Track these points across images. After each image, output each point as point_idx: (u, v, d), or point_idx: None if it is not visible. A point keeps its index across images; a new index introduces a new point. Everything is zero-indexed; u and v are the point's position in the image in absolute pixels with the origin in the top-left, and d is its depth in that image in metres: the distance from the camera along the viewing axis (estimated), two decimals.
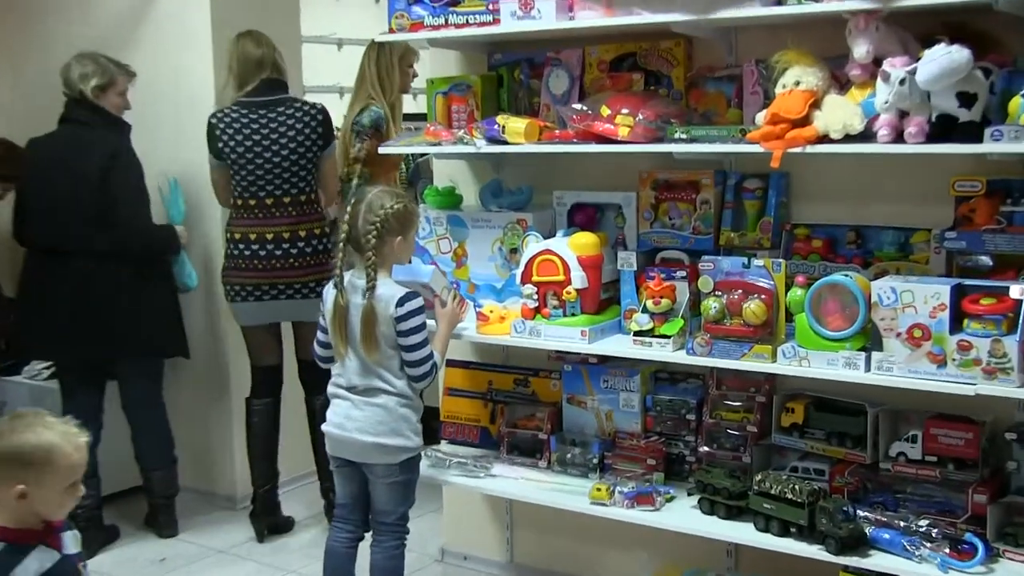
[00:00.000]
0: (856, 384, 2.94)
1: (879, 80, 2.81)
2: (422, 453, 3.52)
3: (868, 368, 2.89)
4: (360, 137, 4.70)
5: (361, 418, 3.36)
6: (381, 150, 3.90)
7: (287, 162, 4.32)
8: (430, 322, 3.45)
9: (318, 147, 4.39)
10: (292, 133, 4.33)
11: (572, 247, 3.39)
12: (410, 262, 3.50)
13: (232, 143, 4.34)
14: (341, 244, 3.33)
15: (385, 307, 3.29)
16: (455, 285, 3.68)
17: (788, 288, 3.06)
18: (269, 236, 4.34)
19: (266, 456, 4.60)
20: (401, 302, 3.29)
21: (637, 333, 3.27)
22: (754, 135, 2.99)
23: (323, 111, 4.42)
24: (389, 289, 3.31)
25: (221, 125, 4.35)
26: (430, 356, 3.35)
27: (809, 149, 2.91)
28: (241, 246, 4.38)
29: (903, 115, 2.80)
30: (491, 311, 3.54)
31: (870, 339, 2.90)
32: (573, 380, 3.69)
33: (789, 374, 3.06)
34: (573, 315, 3.40)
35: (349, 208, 3.33)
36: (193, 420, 5.04)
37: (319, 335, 3.50)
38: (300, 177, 4.36)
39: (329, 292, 3.42)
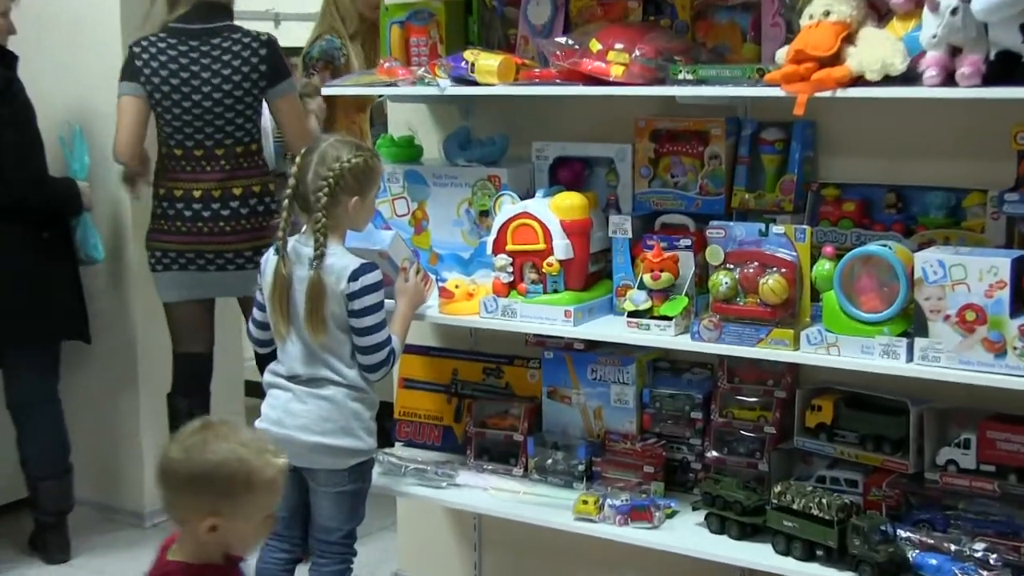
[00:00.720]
0: (896, 377, 2.92)
1: (926, 9, 2.79)
2: (374, 458, 3.53)
3: (910, 357, 2.88)
4: (307, 71, 4.67)
5: (304, 413, 3.37)
6: (326, 91, 3.89)
7: (220, 106, 4.30)
8: (388, 301, 3.46)
9: (260, 88, 4.36)
10: (228, 71, 4.30)
11: (554, 210, 3.39)
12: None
13: (156, 79, 4.31)
14: (286, 202, 3.35)
15: (336, 280, 3.30)
16: (416, 256, 3.66)
17: (814, 260, 3.06)
18: (196, 194, 4.32)
19: None
20: (355, 275, 3.30)
21: (632, 314, 3.26)
22: (774, 76, 2.97)
23: (270, 43, 4.39)
24: (341, 259, 3.32)
25: (145, 56, 4.32)
26: (387, 341, 3.36)
27: (840, 93, 2.90)
28: (164, 204, 4.38)
29: (955, 52, 2.78)
30: (457, 286, 3.53)
31: (913, 323, 2.89)
32: (555, 370, 3.70)
33: (815, 364, 3.06)
34: (555, 291, 3.40)
35: (298, 159, 3.35)
36: (93, 419, 5.02)
37: (255, 313, 3.51)
38: (237, 125, 4.35)
39: (269, 260, 3.42)
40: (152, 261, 4.43)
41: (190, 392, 4.57)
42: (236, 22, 4.61)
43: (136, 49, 4.33)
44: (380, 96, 4.84)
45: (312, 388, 3.37)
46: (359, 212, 3.37)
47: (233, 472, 2.39)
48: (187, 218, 4.32)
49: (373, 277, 3.32)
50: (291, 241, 3.37)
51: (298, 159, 3.35)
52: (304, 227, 3.38)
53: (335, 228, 3.33)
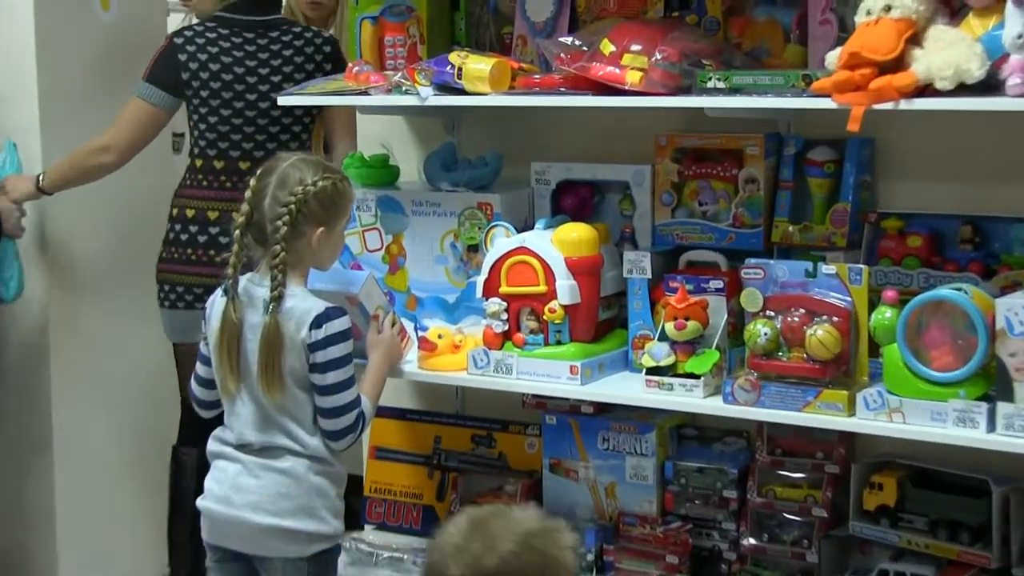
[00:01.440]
0: (974, 450, 2.91)
1: (1010, 4, 2.76)
2: (341, 544, 3.51)
3: (992, 427, 2.85)
4: None
5: (256, 489, 3.35)
6: (281, 100, 3.90)
7: (278, 110, 4.32)
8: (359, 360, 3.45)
9: None
10: (289, 68, 4.35)
11: (558, 244, 3.38)
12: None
13: (204, 74, 4.33)
14: (238, 233, 3.34)
15: (295, 327, 3.28)
16: (390, 300, 3.65)
17: (872, 307, 3.04)
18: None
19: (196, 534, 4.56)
20: (318, 321, 3.28)
21: (652, 371, 3.25)
22: (823, 83, 2.97)
23: (333, 40, 4.46)
24: (302, 302, 3.30)
25: (190, 48, 4.35)
26: (356, 403, 3.34)
27: (904, 105, 2.89)
28: (193, 228, 4.38)
29: None
30: (440, 336, 3.52)
31: (995, 384, 2.87)
32: (558, 438, 3.70)
33: (874, 433, 3.06)
34: (559, 343, 3.39)
35: (253, 181, 3.35)
36: None
37: (198, 368, 3.51)
38: (293, 134, 4.39)
39: (216, 303, 3.41)
40: (173, 296, 4.42)
41: (200, 444, 4.53)
42: None
43: (179, 40, 4.36)
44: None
45: (266, 459, 3.34)
46: (325, 246, 3.35)
47: (540, 573, 2.41)
48: (223, 245, 4.26)
49: (340, 324, 3.30)
50: (242, 280, 3.34)
51: (253, 181, 3.34)
52: (259, 264, 3.35)
53: (296, 265, 3.31)
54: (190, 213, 4.39)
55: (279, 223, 3.26)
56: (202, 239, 4.37)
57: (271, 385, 3.27)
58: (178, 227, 4.40)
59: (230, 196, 4.29)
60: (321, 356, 3.27)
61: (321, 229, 3.30)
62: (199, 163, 4.40)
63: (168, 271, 4.43)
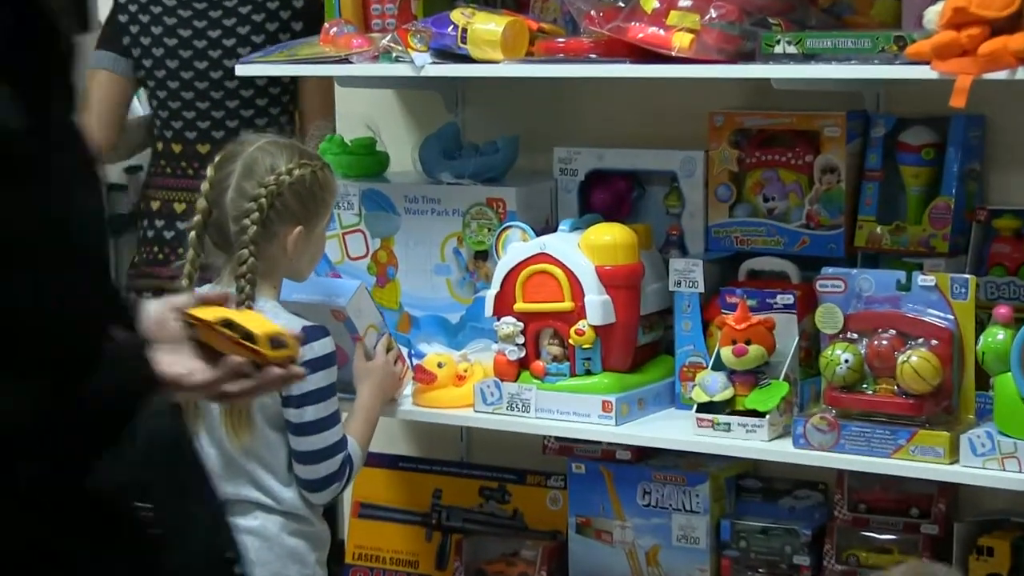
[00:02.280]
0: None
1: None
2: None
3: None
4: None
5: None
6: (239, 70, 3.92)
7: (234, 80, 4.34)
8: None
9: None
10: (245, 30, 4.36)
11: (587, 250, 3.39)
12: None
13: (146, 40, 4.38)
14: (193, 235, 3.37)
15: None
16: (383, 320, 3.65)
17: (981, 328, 3.07)
18: None
19: None
20: None
21: (704, 407, 3.26)
22: (922, 47, 2.97)
23: None
24: (274, 319, 3.24)
25: (132, 8, 4.40)
26: (341, 445, 3.37)
27: (1022, 74, 2.88)
28: (159, 223, 4.44)
29: None
30: (440, 365, 3.55)
31: None
32: (588, 491, 3.71)
33: (983, 485, 3.06)
34: (588, 373, 3.41)
35: (211, 170, 3.37)
36: None
37: None
38: (258, 108, 4.40)
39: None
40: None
41: None
42: None
43: (121, 0, 4.41)
44: None
45: (231, 516, 3.27)
46: (303, 250, 3.36)
47: None
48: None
49: (321, 347, 3.30)
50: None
51: (210, 170, 3.35)
52: (221, 272, 3.35)
53: (268, 274, 3.33)
54: (155, 205, 4.44)
55: (246, 222, 3.25)
56: (169, 235, 4.39)
57: (237, 424, 3.26)
58: (145, 223, 4.46)
59: (195, 186, 4.30)
60: (297, 387, 3.22)
61: (298, 229, 3.30)
62: (159, 146, 4.45)
63: (136, 276, 4.48)
